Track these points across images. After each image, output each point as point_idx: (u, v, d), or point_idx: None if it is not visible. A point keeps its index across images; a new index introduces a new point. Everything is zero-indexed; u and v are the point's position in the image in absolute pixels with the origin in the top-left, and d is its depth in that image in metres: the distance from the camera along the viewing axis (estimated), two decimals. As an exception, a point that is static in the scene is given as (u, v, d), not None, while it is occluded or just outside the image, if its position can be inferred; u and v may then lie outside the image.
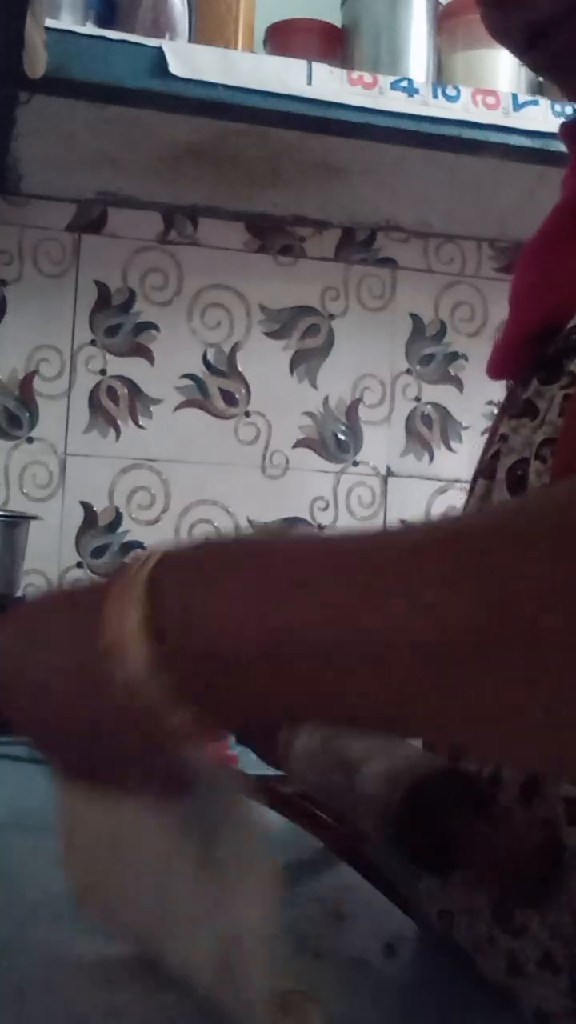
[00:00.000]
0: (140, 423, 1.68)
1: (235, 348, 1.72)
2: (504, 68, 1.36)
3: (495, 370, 0.65)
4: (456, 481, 1.76)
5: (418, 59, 1.34)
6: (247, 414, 1.72)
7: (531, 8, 0.54)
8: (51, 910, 0.58)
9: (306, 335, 1.74)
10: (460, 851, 0.50)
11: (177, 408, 1.70)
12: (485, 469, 0.61)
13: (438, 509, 1.77)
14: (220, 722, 0.42)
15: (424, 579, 0.34)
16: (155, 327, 1.69)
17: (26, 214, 1.64)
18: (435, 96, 1.29)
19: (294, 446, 1.73)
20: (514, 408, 0.59)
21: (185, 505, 1.69)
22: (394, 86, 1.28)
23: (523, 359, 0.60)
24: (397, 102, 1.28)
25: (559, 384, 0.53)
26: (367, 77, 1.27)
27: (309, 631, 0.36)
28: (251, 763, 0.73)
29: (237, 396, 1.72)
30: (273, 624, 0.37)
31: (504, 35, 0.58)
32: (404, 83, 1.28)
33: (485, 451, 0.68)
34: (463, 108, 1.29)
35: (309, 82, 1.25)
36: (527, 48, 0.57)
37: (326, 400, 1.75)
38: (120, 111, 1.28)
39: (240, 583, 0.38)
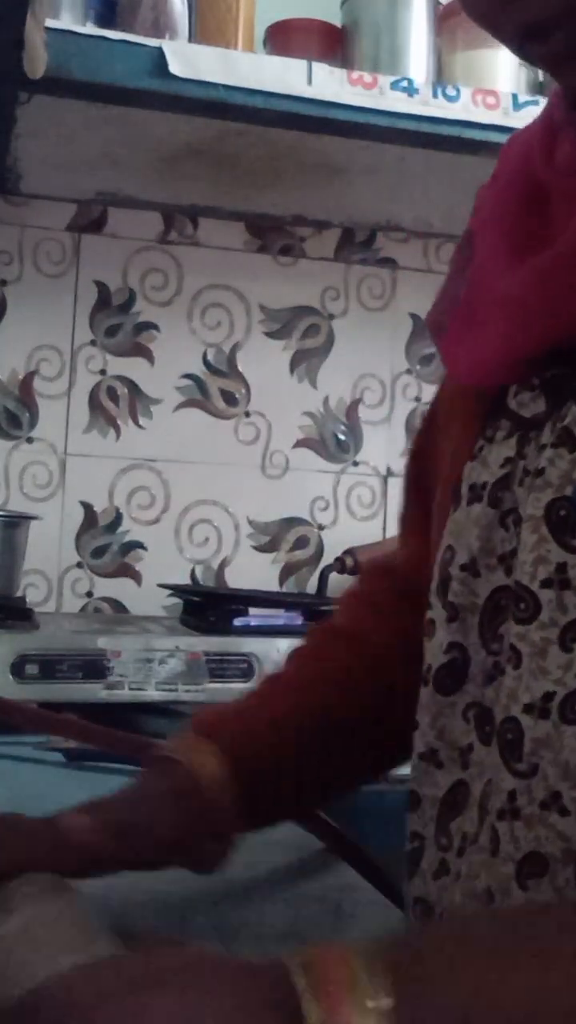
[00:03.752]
0: (140, 423, 1.68)
1: (235, 348, 1.72)
2: (504, 68, 1.36)
3: (486, 377, 0.60)
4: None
5: (418, 59, 1.34)
6: (247, 414, 1.72)
7: (528, 6, 0.51)
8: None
9: (306, 335, 1.74)
10: None
11: (177, 408, 1.69)
12: (481, 493, 0.57)
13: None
14: None
15: None
16: (155, 327, 1.69)
17: (26, 214, 1.64)
18: (435, 96, 1.29)
19: (294, 446, 1.73)
20: (511, 425, 0.56)
21: (185, 505, 1.69)
22: (394, 86, 1.28)
23: (517, 365, 0.56)
24: (397, 102, 1.28)
25: None
26: (367, 77, 1.27)
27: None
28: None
29: (237, 396, 1.72)
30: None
31: (497, 29, 0.55)
32: (404, 83, 1.28)
33: (447, 462, 0.63)
34: (463, 108, 1.29)
35: (309, 82, 1.25)
36: (523, 44, 0.54)
37: (326, 400, 1.75)
38: (120, 111, 1.28)
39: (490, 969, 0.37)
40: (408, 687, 0.66)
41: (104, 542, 1.66)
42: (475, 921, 0.41)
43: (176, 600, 1.61)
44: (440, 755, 0.57)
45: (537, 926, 0.40)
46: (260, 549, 1.71)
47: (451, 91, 1.30)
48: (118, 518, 1.66)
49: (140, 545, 1.67)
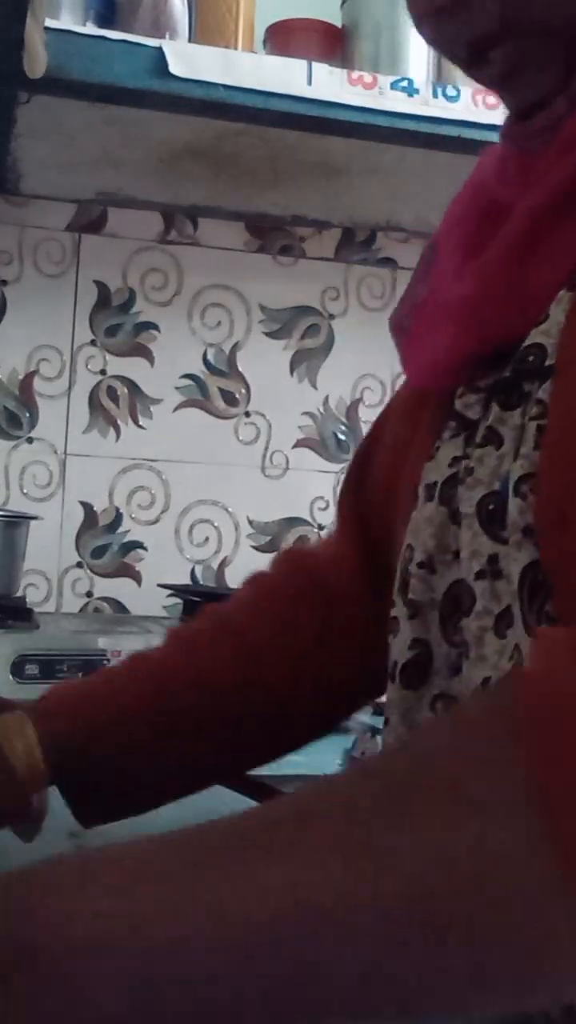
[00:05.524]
0: (140, 423, 1.68)
1: (235, 348, 1.72)
2: (504, 68, 1.36)
3: (434, 380, 0.62)
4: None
5: (418, 59, 1.34)
6: (247, 414, 1.72)
7: (467, 24, 0.54)
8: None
9: (306, 335, 1.74)
10: None
11: (177, 408, 1.69)
12: (433, 492, 0.59)
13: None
14: None
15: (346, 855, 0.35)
16: (155, 327, 1.69)
17: (26, 214, 1.64)
18: (435, 96, 1.29)
19: (294, 446, 1.73)
20: (456, 426, 0.58)
21: (185, 505, 1.69)
22: (394, 86, 1.28)
23: (462, 369, 0.59)
24: (397, 102, 1.28)
25: (524, 412, 0.52)
26: (367, 77, 1.27)
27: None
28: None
29: (237, 396, 1.72)
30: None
31: (446, 49, 0.58)
32: (404, 83, 1.28)
33: (399, 459, 0.65)
34: (463, 108, 1.29)
35: (309, 82, 1.25)
36: (469, 63, 0.57)
37: (326, 400, 1.75)
38: (120, 111, 1.28)
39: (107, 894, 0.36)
40: (276, 683, 0.69)
41: (104, 542, 1.66)
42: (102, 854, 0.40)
43: (176, 600, 1.61)
44: None
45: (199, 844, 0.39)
46: (260, 549, 1.71)
47: (451, 91, 1.30)
48: (118, 518, 1.66)
49: (140, 545, 1.67)
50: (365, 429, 1.73)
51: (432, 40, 0.58)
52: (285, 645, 0.72)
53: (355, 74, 1.27)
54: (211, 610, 0.76)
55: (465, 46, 0.55)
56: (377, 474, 0.73)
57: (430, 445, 0.61)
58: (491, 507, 0.52)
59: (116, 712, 0.68)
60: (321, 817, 0.38)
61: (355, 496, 0.76)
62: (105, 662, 1.25)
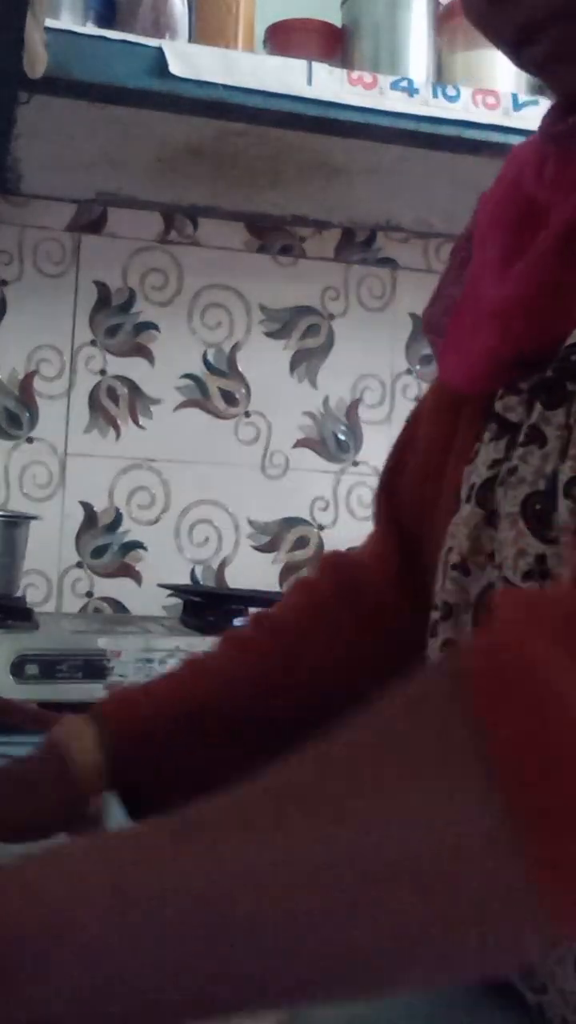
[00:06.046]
0: (140, 423, 1.68)
1: (235, 348, 1.72)
2: (504, 68, 1.36)
3: (474, 384, 0.62)
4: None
5: (418, 59, 1.34)
6: (247, 414, 1.72)
7: (525, 5, 0.53)
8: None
9: (306, 335, 1.74)
10: None
11: (177, 408, 1.69)
12: (471, 495, 0.58)
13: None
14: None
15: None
16: (155, 327, 1.69)
17: (26, 214, 1.64)
18: (435, 96, 1.29)
19: (294, 446, 1.73)
20: (497, 428, 0.58)
21: (185, 505, 1.69)
22: (394, 86, 1.28)
23: (502, 372, 0.58)
24: (397, 102, 1.28)
25: (569, 412, 0.52)
26: (367, 77, 1.27)
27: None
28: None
29: (237, 396, 1.72)
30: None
31: (494, 31, 0.57)
32: (404, 83, 1.28)
33: (439, 462, 0.65)
34: (463, 108, 1.29)
35: (309, 82, 1.25)
36: (518, 46, 0.56)
37: (326, 400, 1.75)
38: (120, 111, 1.28)
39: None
40: (329, 685, 0.70)
41: (104, 542, 1.66)
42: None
43: (176, 600, 1.61)
44: None
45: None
46: (260, 549, 1.71)
47: (451, 91, 1.30)
48: (118, 518, 1.66)
49: (140, 545, 1.67)
50: (365, 429, 1.75)
51: (483, 21, 0.57)
52: (325, 643, 0.73)
53: (355, 74, 1.27)
54: (258, 615, 0.77)
55: (515, 29, 0.55)
56: (410, 476, 0.73)
57: (469, 448, 0.61)
58: (538, 507, 0.52)
59: (172, 712, 0.69)
60: (276, 793, 0.38)
61: (389, 498, 0.77)
62: (105, 662, 1.25)
